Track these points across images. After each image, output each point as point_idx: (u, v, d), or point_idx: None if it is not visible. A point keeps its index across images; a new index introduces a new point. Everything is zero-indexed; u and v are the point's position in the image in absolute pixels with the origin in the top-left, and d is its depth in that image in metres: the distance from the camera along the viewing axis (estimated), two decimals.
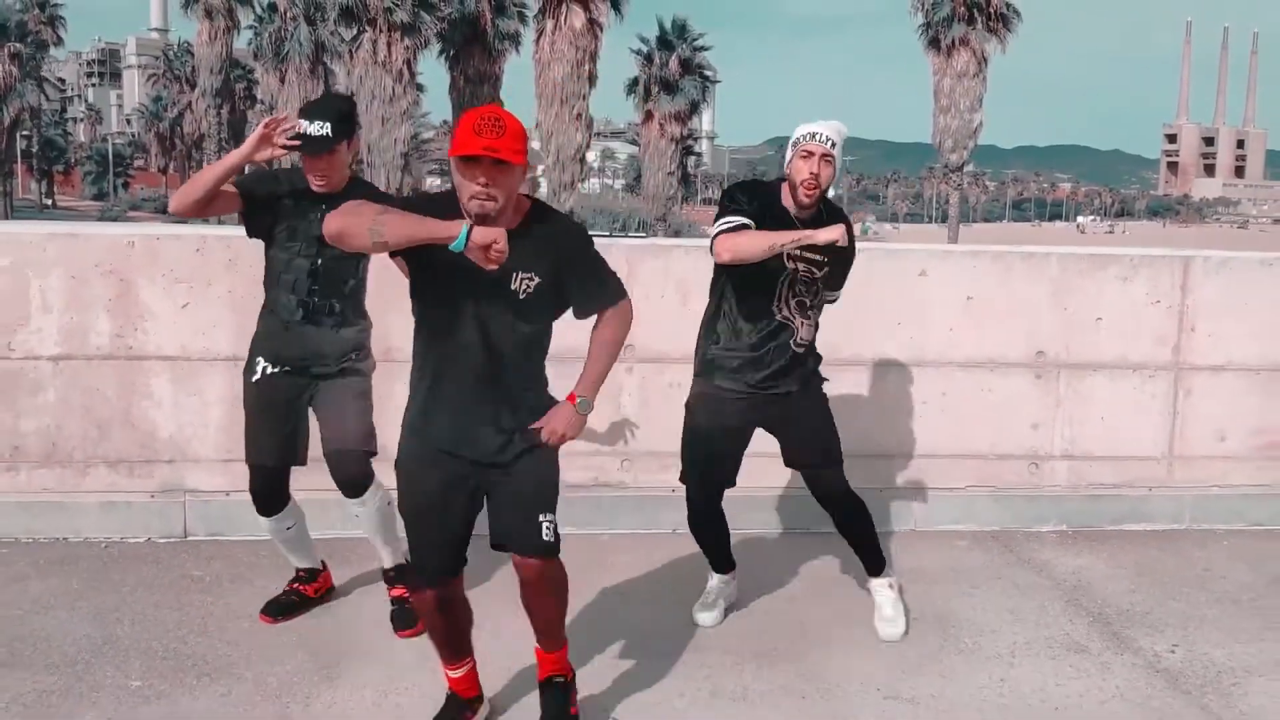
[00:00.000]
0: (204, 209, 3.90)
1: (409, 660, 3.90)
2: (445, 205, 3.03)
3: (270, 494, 4.16)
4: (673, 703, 3.67)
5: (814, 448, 4.19)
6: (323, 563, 4.45)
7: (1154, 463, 5.71)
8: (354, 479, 4.07)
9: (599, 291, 3.23)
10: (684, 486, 4.36)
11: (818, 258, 3.96)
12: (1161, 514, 5.70)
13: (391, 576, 4.28)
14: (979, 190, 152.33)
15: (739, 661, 3.99)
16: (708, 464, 4.25)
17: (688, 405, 4.27)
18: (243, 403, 4.12)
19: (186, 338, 4.98)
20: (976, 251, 5.68)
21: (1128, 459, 5.68)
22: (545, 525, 3.16)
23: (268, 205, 3.97)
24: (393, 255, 3.10)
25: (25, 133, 62.52)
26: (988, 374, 5.53)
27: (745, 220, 3.88)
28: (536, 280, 3.07)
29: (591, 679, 3.74)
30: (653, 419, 5.29)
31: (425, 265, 3.07)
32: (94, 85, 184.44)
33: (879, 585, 4.38)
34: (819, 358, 4.22)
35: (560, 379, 3.28)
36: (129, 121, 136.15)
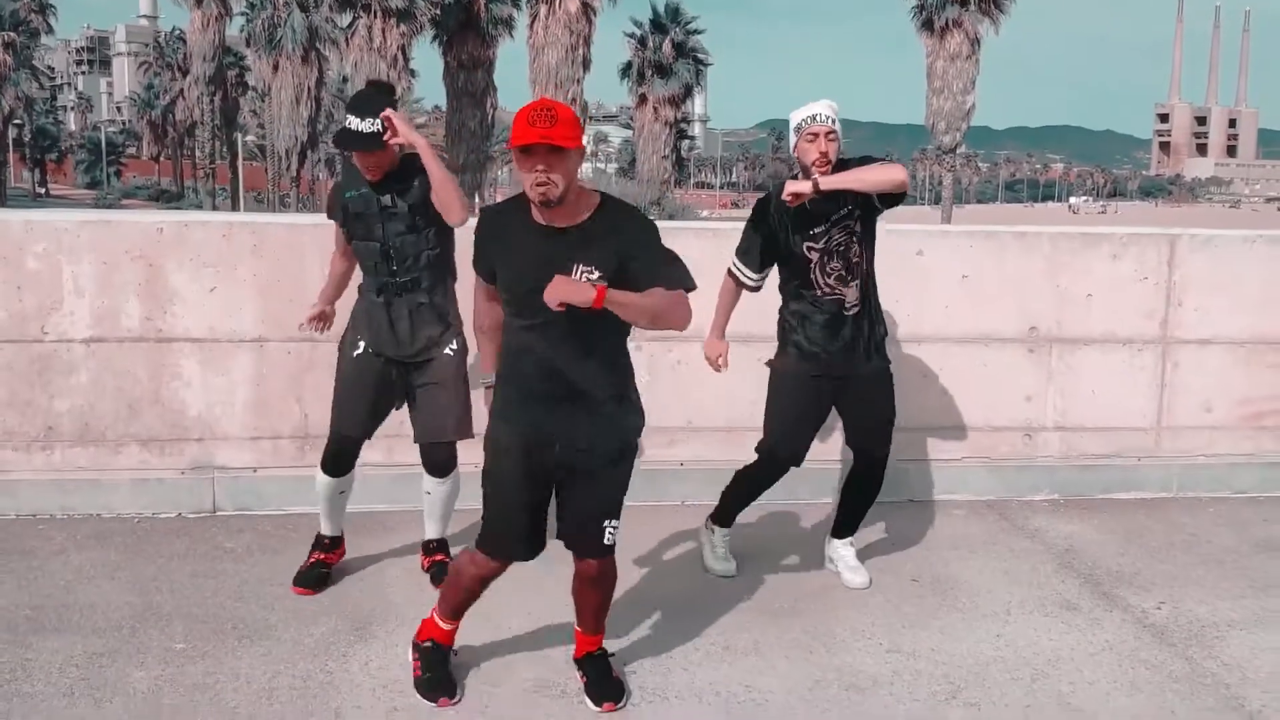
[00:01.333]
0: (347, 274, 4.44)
1: None
2: (506, 209, 3.31)
3: (343, 459, 4.40)
4: (689, 655, 3.90)
5: (879, 435, 4.48)
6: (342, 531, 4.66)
7: (1143, 433, 5.94)
8: (441, 464, 4.38)
9: (661, 272, 3.22)
10: (750, 451, 4.63)
11: (818, 230, 4.25)
12: (1150, 482, 5.93)
13: (433, 546, 4.55)
14: (972, 171, 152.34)
15: (749, 620, 4.22)
16: (794, 432, 4.47)
17: (773, 378, 4.50)
18: (336, 371, 4.38)
19: (214, 320, 5.18)
20: (971, 231, 5.89)
21: (1118, 430, 5.91)
22: (608, 531, 3.42)
23: (347, 226, 4.25)
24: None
25: (18, 121, 62.44)
26: (983, 349, 5.75)
27: (745, 275, 4.46)
28: (597, 273, 3.18)
29: (611, 638, 3.96)
30: (660, 396, 5.47)
31: (508, 262, 3.32)
32: (84, 73, 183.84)
33: (844, 543, 4.67)
34: (884, 328, 4.49)
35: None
36: (120, 109, 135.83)
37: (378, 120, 3.97)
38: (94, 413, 5.23)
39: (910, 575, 4.71)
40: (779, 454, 4.48)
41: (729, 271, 4.51)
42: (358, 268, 4.34)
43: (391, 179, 4.12)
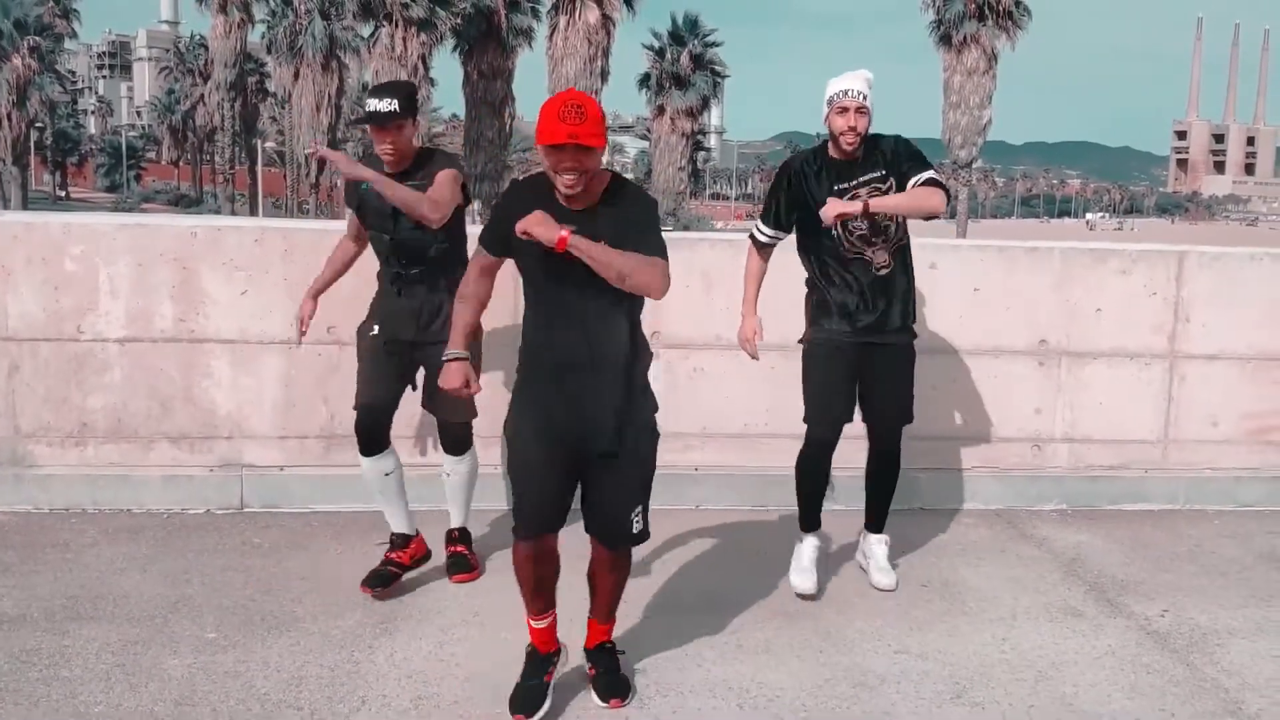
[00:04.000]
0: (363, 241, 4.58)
1: (460, 616, 4.27)
2: (537, 188, 3.37)
3: (373, 431, 4.48)
4: (703, 653, 4.02)
5: (896, 407, 4.58)
6: (417, 531, 4.68)
7: (1150, 446, 6.04)
8: (457, 440, 4.57)
9: (644, 240, 3.33)
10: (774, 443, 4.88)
11: (843, 186, 4.40)
12: (1157, 494, 6.03)
13: (455, 536, 4.70)
14: (988, 186, 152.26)
15: (761, 620, 4.34)
16: (828, 402, 4.53)
17: (805, 352, 4.59)
18: (357, 354, 4.55)
19: (245, 322, 5.34)
20: (983, 245, 6.01)
21: (1125, 442, 6.01)
22: (635, 521, 3.52)
23: (360, 212, 4.45)
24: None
25: (39, 125, 63.05)
26: (993, 361, 5.87)
27: (760, 232, 4.58)
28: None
29: (627, 637, 4.09)
30: (678, 402, 5.62)
31: (524, 252, 3.39)
32: (104, 77, 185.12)
33: (878, 540, 4.78)
34: (913, 284, 4.60)
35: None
36: (139, 114, 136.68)
37: (395, 101, 4.20)
38: (126, 410, 5.39)
39: (920, 580, 4.83)
40: (814, 432, 4.55)
41: (750, 236, 4.66)
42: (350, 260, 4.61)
43: (407, 175, 4.31)
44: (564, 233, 3.18)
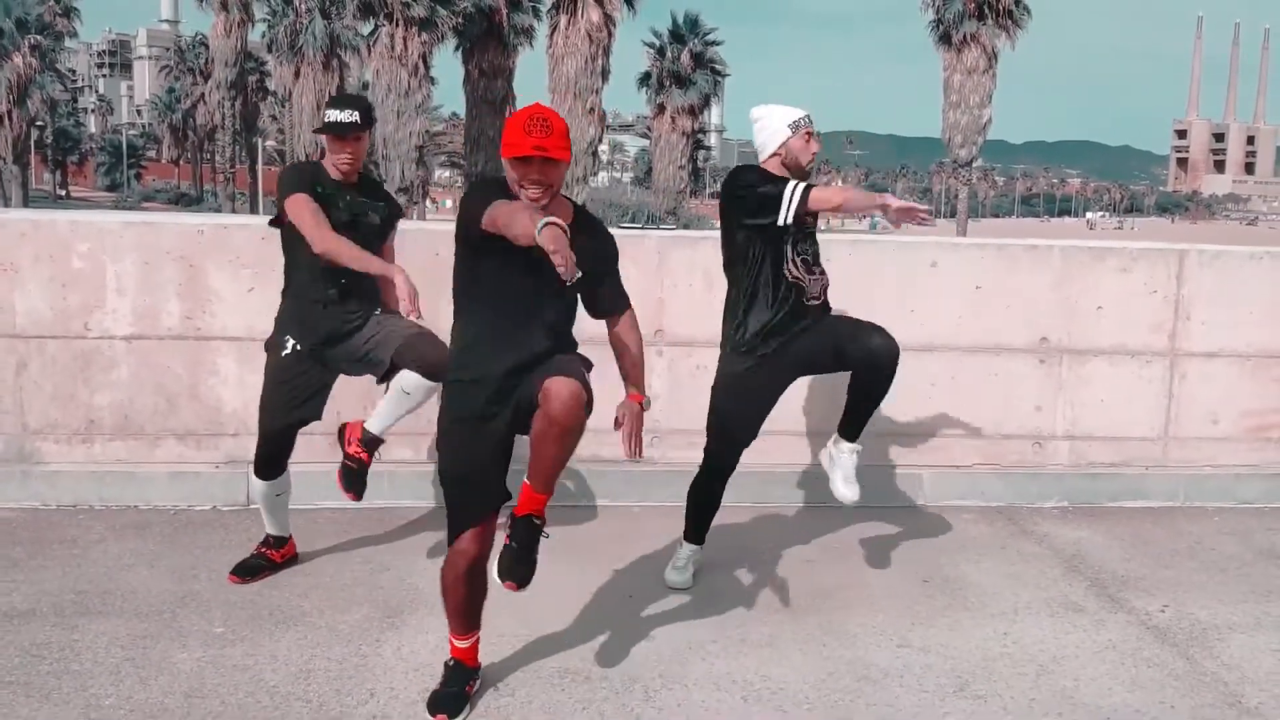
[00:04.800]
0: None
1: None
2: (500, 191, 3.33)
3: (280, 457, 4.56)
4: (707, 646, 4.06)
5: (863, 333, 4.30)
6: (291, 535, 4.80)
7: (1150, 443, 6.08)
8: (436, 365, 4.15)
9: (620, 297, 3.66)
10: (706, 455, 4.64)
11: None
12: (1157, 492, 6.07)
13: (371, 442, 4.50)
14: (988, 186, 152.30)
15: (765, 615, 4.38)
16: (738, 432, 4.54)
17: (715, 384, 4.57)
18: (264, 372, 4.48)
19: (251, 319, 5.37)
20: (983, 244, 6.05)
21: (1126, 440, 6.05)
22: (574, 371, 3.25)
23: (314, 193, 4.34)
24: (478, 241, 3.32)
25: (40, 123, 63.10)
26: (994, 358, 5.90)
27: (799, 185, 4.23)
28: (580, 275, 3.14)
29: (632, 631, 4.14)
30: (681, 399, 5.67)
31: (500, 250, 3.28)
32: (105, 76, 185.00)
33: (851, 448, 4.50)
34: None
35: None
36: (140, 113, 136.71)
37: (356, 113, 4.29)
38: (133, 407, 5.42)
39: (922, 576, 4.86)
40: (727, 457, 4.57)
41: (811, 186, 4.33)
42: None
43: (358, 188, 4.39)
44: (638, 400, 3.49)
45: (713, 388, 4.55)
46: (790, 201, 4.15)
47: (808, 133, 4.32)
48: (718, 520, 5.12)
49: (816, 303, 4.39)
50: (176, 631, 4.08)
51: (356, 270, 4.19)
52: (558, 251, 2.92)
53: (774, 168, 4.35)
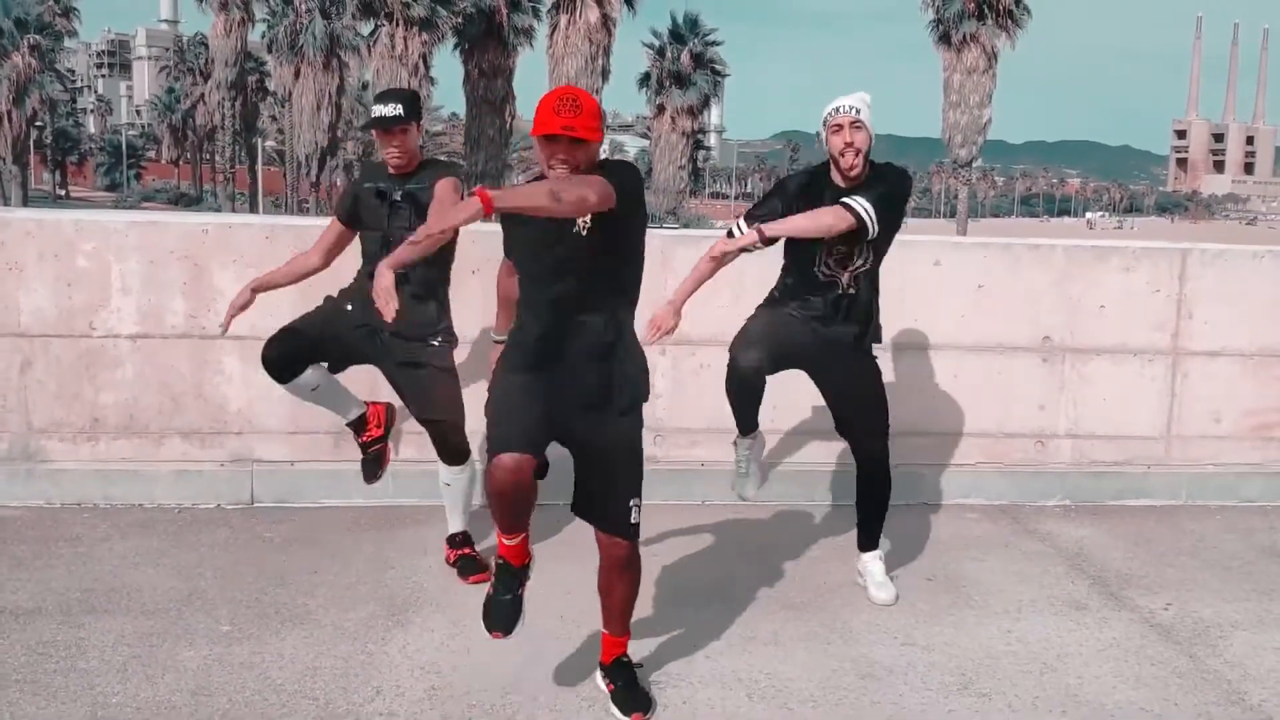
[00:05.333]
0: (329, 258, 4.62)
1: (470, 609, 4.25)
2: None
3: (289, 359, 4.45)
4: (712, 645, 4.07)
5: (870, 426, 4.47)
6: (365, 404, 4.73)
7: (1153, 442, 6.09)
8: (452, 451, 4.57)
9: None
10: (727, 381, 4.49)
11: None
12: (1159, 490, 6.08)
13: (458, 540, 4.72)
14: (987, 185, 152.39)
15: (770, 612, 4.39)
16: (763, 342, 4.36)
17: (759, 308, 4.52)
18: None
19: (256, 318, 5.32)
20: (986, 243, 6.06)
21: (1128, 438, 6.06)
22: (634, 509, 3.47)
23: (354, 212, 4.50)
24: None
25: (39, 123, 63.08)
26: (997, 357, 5.91)
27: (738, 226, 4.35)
28: (588, 219, 3.23)
29: (636, 628, 4.12)
30: (683, 398, 5.68)
31: (511, 221, 3.44)
32: (104, 76, 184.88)
33: (872, 557, 4.64)
34: (876, 325, 4.54)
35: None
36: (139, 113, 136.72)
37: (399, 105, 4.31)
38: (138, 406, 5.43)
39: (925, 574, 4.88)
40: (736, 363, 4.38)
41: (728, 232, 4.44)
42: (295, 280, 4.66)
43: (409, 178, 4.40)
44: (478, 193, 2.98)
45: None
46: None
47: (836, 125, 4.26)
48: (718, 517, 5.15)
49: (853, 296, 4.41)
50: (183, 629, 4.09)
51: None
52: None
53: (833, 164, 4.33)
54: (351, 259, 4.58)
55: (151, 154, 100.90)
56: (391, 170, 4.41)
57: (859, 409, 4.50)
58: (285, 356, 4.45)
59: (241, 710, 3.52)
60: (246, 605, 4.32)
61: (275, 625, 4.14)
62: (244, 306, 4.55)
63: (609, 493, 3.47)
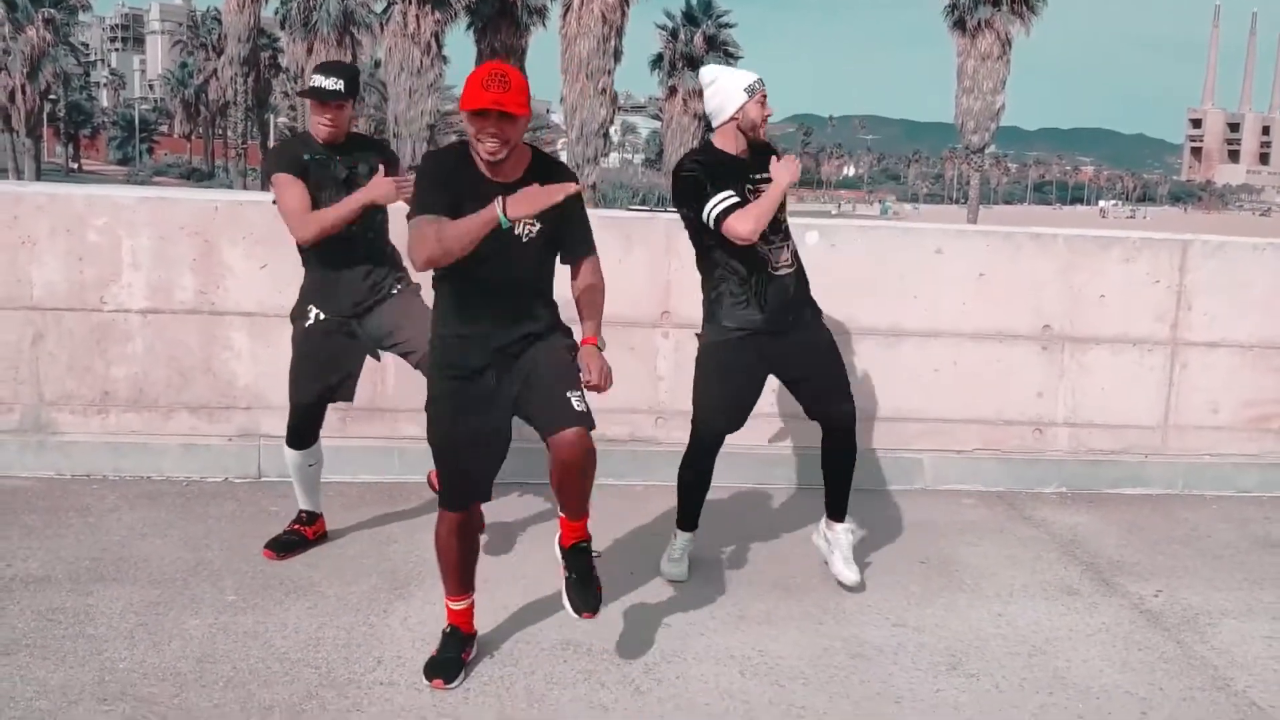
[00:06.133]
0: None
1: None
2: (457, 157, 3.44)
3: (311, 425, 4.63)
4: (705, 623, 4.15)
5: (834, 394, 4.42)
6: (321, 513, 4.87)
7: (1150, 431, 6.14)
8: None
9: (585, 241, 3.61)
10: (695, 434, 4.52)
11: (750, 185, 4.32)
12: (1156, 479, 6.13)
13: None
14: (1000, 172, 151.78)
15: (762, 592, 4.47)
16: (725, 405, 4.42)
17: (699, 356, 4.47)
18: (292, 345, 4.58)
19: (264, 295, 5.45)
20: (988, 231, 6.11)
21: (1126, 427, 6.11)
22: (574, 399, 3.40)
23: (303, 173, 4.44)
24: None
25: (53, 97, 63.19)
26: (997, 345, 5.96)
27: (735, 197, 4.18)
28: (538, 227, 3.44)
29: (633, 608, 4.23)
30: (685, 381, 5.70)
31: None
32: (117, 50, 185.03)
33: (845, 529, 4.61)
34: (810, 296, 4.49)
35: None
36: (152, 87, 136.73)
37: (341, 80, 4.38)
38: (148, 380, 5.52)
39: (918, 557, 4.95)
40: (710, 429, 4.43)
41: (733, 206, 4.23)
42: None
43: (346, 148, 4.48)
44: (593, 341, 3.47)
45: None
46: (709, 215, 4.18)
47: (762, 95, 4.31)
48: (714, 499, 5.18)
49: (789, 270, 4.36)
50: (189, 599, 4.18)
51: (347, 223, 4.32)
52: None
53: (729, 133, 4.33)
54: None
55: (164, 129, 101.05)
56: (320, 141, 4.44)
57: (825, 378, 4.43)
58: (303, 429, 4.62)
59: (245, 677, 3.60)
60: (251, 576, 4.40)
61: (279, 596, 4.22)
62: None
63: (554, 395, 3.44)
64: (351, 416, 5.50)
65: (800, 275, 4.44)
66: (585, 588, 3.62)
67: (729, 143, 4.35)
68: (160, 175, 74.99)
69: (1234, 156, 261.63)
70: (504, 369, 3.52)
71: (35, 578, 4.31)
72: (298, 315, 4.57)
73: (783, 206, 4.35)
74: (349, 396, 4.65)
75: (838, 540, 4.61)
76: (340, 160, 4.45)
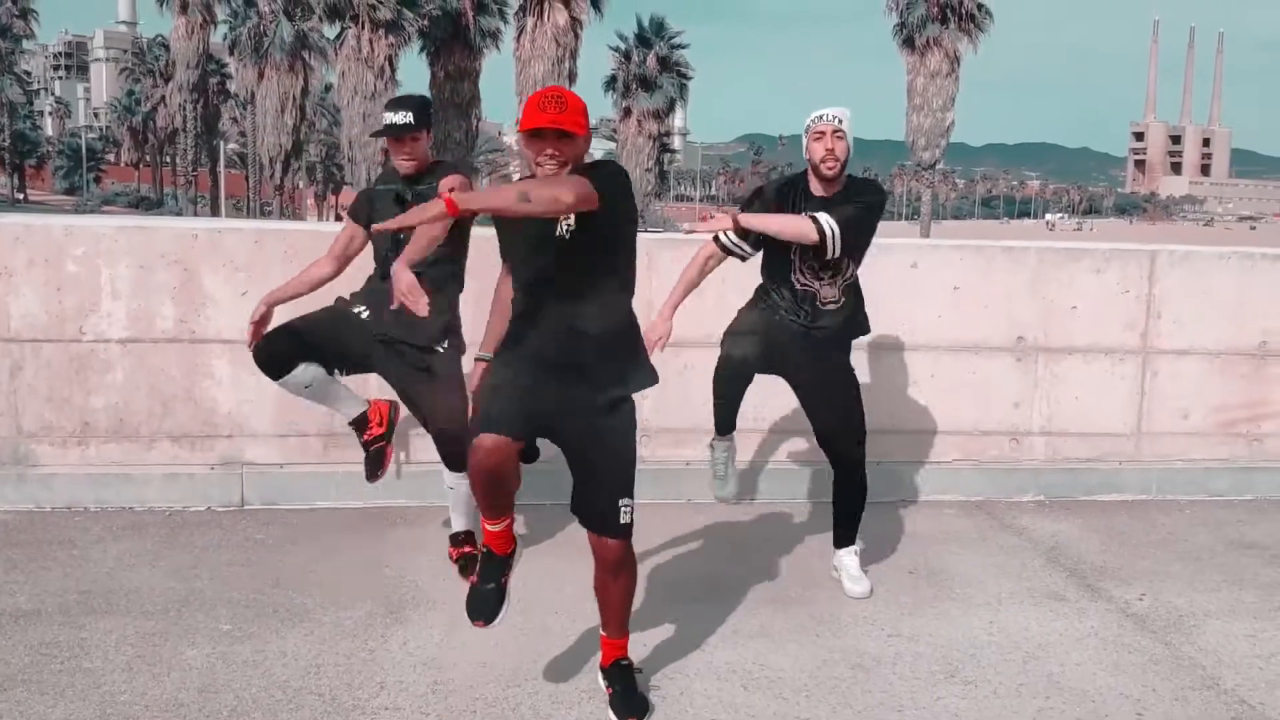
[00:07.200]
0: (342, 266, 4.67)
1: None
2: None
3: (270, 361, 4.49)
4: (704, 638, 4.17)
5: (846, 436, 4.63)
6: (368, 401, 4.76)
7: (1124, 439, 6.25)
8: (457, 456, 4.51)
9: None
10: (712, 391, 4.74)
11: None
12: (1130, 485, 6.25)
13: (460, 539, 4.78)
14: (948, 188, 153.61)
15: (757, 606, 4.50)
16: (755, 336, 4.57)
17: (745, 308, 4.69)
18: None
19: (245, 322, 5.37)
20: (962, 245, 6.20)
21: (1100, 435, 6.22)
22: (624, 510, 3.46)
23: (370, 216, 4.56)
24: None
25: None
26: (973, 357, 6.06)
27: (731, 240, 4.51)
28: (571, 222, 3.30)
29: (631, 623, 4.22)
30: (669, 398, 5.74)
31: (502, 226, 3.49)
32: (61, 78, 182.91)
33: (848, 553, 4.77)
34: (861, 320, 4.68)
35: None
36: (97, 115, 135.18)
37: (410, 113, 4.42)
38: (128, 409, 5.47)
39: (907, 568, 5.00)
40: (724, 351, 4.60)
41: (714, 237, 4.53)
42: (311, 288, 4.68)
43: (420, 179, 4.50)
44: (445, 194, 3.03)
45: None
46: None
47: (818, 132, 4.38)
48: (704, 515, 5.25)
49: (834, 306, 4.53)
50: (184, 629, 4.14)
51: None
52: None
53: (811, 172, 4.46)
54: (364, 267, 4.65)
55: (111, 157, 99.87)
56: (403, 175, 4.52)
57: (838, 419, 4.63)
58: (278, 356, 4.49)
59: (249, 706, 3.58)
60: (244, 605, 4.37)
61: (275, 624, 4.20)
62: (263, 321, 4.53)
63: (596, 492, 3.48)
64: (334, 442, 5.48)
65: (848, 321, 4.60)
66: (629, 699, 3.63)
67: (813, 182, 4.46)
68: (109, 204, 74.05)
69: (1176, 169, 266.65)
70: (553, 385, 3.38)
71: (24, 612, 4.25)
72: (343, 301, 4.62)
73: (824, 261, 4.43)
74: (323, 361, 4.52)
75: (844, 563, 4.76)
76: (416, 192, 4.42)
